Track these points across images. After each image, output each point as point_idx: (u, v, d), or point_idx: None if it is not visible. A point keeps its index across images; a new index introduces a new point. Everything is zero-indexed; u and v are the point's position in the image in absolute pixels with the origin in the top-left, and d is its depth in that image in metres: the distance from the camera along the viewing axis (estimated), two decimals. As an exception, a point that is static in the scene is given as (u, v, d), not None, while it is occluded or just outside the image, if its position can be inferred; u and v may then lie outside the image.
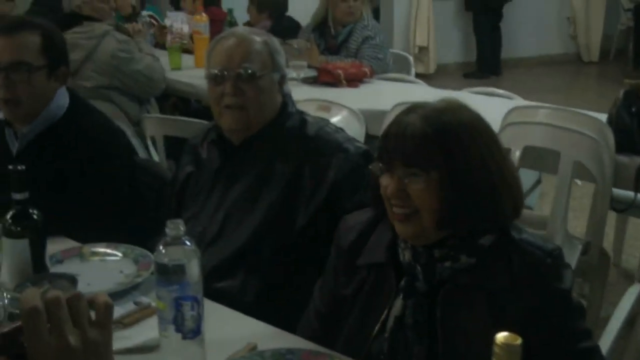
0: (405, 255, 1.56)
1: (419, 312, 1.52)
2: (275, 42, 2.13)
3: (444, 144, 1.46)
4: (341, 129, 2.16)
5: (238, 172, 2.10)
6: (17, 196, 1.72)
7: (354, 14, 4.45)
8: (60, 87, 2.37)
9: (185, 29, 4.99)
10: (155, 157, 3.64)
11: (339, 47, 4.48)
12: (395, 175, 1.50)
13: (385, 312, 1.56)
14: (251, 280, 1.99)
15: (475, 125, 1.51)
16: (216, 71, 2.05)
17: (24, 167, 1.71)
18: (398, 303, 1.54)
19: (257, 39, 2.08)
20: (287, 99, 2.13)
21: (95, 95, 3.81)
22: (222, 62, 2.05)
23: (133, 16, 5.03)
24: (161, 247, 1.49)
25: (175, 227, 1.48)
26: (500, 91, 3.94)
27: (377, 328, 1.56)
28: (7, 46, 2.26)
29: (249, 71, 2.02)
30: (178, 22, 5.00)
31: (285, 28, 5.01)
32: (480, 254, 1.50)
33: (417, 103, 1.55)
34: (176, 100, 5.00)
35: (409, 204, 1.49)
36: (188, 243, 1.49)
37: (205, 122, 3.31)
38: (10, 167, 1.70)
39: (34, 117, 2.32)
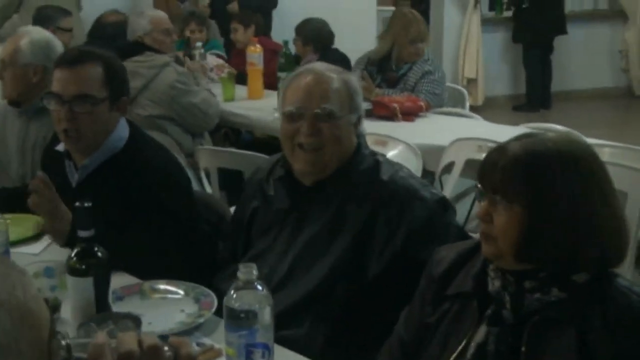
0: (495, 284, 1.53)
1: (502, 341, 1.50)
2: (354, 81, 2.08)
3: (532, 177, 1.46)
4: (414, 175, 2.10)
5: (309, 215, 2.04)
6: (83, 234, 1.70)
7: (420, 55, 4.43)
8: (121, 117, 2.37)
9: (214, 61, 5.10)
10: (209, 189, 3.63)
11: (398, 80, 4.44)
12: (487, 197, 1.51)
13: (466, 340, 1.53)
14: (318, 329, 1.92)
15: (575, 160, 1.47)
16: (293, 109, 2.01)
17: (90, 204, 1.69)
18: (482, 330, 1.52)
19: (336, 77, 2.03)
20: (361, 140, 2.08)
21: (149, 124, 3.81)
22: (299, 101, 2.01)
23: (187, 48, 5.06)
24: (232, 292, 1.45)
25: (248, 271, 1.43)
26: (559, 127, 3.83)
27: (455, 355, 1.53)
28: (70, 79, 2.25)
29: (328, 111, 1.98)
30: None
31: (333, 61, 4.98)
32: (572, 290, 1.47)
33: (531, 132, 1.57)
34: (227, 131, 5.01)
35: (491, 228, 1.50)
36: (260, 288, 1.45)
37: (259, 154, 3.30)
38: (77, 204, 1.68)
39: (95, 149, 2.31)
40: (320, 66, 2.11)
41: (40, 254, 2.26)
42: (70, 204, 2.29)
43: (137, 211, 2.23)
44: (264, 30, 6.00)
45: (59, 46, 3.05)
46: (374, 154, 2.09)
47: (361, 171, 2.02)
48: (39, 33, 3.05)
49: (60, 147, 2.37)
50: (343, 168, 2.02)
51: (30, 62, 2.95)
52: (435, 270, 1.66)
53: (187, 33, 5.77)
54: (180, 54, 4.82)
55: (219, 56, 5.49)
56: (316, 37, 5.32)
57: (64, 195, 2.34)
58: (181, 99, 3.94)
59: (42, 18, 5.01)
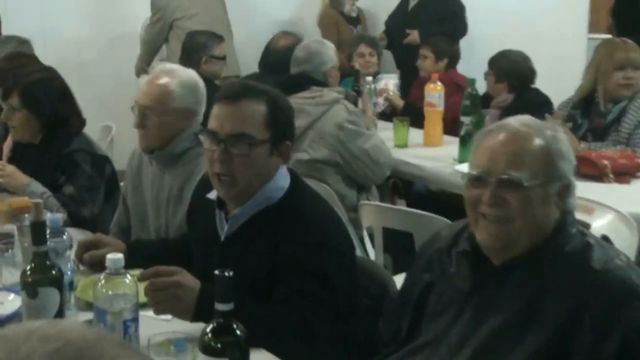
0: None
1: None
2: (561, 140, 2.00)
3: None
4: (634, 265, 1.98)
5: (495, 301, 1.98)
6: (221, 307, 1.73)
7: (632, 86, 4.20)
8: (282, 164, 2.42)
9: (391, 85, 5.04)
10: (371, 252, 3.62)
11: (607, 128, 4.25)
12: None
13: None
14: None
15: None
16: (475, 173, 2.01)
17: (231, 274, 1.72)
18: None
19: (535, 135, 1.98)
20: (567, 216, 2.00)
21: (310, 170, 3.87)
22: (484, 163, 2.00)
23: (356, 83, 5.11)
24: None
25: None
26: None
27: None
28: (229, 115, 2.33)
29: (514, 179, 1.94)
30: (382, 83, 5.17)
31: (531, 103, 4.88)
32: None
33: None
34: (397, 182, 5.01)
35: None
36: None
37: (436, 216, 3.25)
38: (217, 272, 1.71)
39: (249, 198, 2.37)
40: (519, 121, 2.04)
41: (172, 320, 2.31)
42: (217, 259, 2.38)
43: (286, 276, 2.25)
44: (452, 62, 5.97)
45: (203, 86, 3.13)
46: (583, 233, 2.01)
47: (565, 254, 1.95)
48: (186, 73, 3.13)
49: (212, 194, 2.45)
50: (540, 248, 1.96)
51: (180, 106, 3.02)
52: None
53: (356, 58, 5.85)
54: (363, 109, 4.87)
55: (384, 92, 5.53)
56: (513, 73, 5.22)
57: (211, 249, 2.43)
58: (349, 142, 3.98)
59: (194, 46, 5.22)
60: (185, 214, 2.83)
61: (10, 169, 3.57)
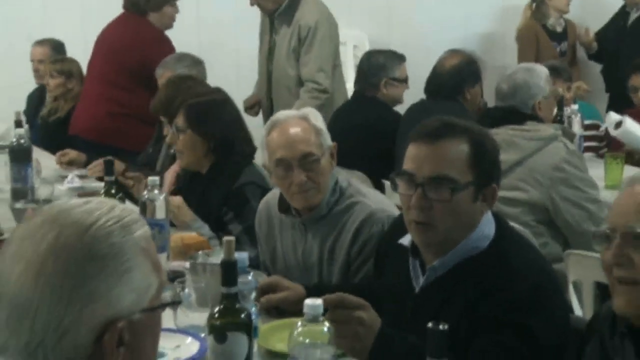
0: None
1: None
2: None
3: None
4: None
5: None
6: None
7: None
8: (487, 210, 2.50)
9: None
10: (578, 311, 3.60)
11: None
12: None
13: None
14: None
15: None
16: (602, 230, 2.07)
17: (446, 327, 1.80)
18: None
19: None
20: None
21: (508, 211, 3.90)
22: (610, 218, 2.07)
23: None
24: None
25: None
26: None
27: None
28: (427, 156, 2.43)
29: (636, 234, 1.98)
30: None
31: None
32: None
33: None
34: (607, 228, 4.94)
35: None
36: None
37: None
38: (430, 325, 1.79)
39: (450, 248, 2.46)
40: None
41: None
42: (410, 312, 2.49)
43: (484, 329, 2.31)
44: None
45: None
46: None
47: None
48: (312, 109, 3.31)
49: (405, 240, 2.56)
50: None
51: (330, 144, 3.19)
52: None
53: (552, 99, 5.82)
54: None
55: (591, 127, 5.49)
56: None
57: (404, 300, 2.54)
58: (565, 187, 3.94)
59: (372, 67, 5.31)
60: (372, 263, 2.94)
61: (178, 201, 3.75)
